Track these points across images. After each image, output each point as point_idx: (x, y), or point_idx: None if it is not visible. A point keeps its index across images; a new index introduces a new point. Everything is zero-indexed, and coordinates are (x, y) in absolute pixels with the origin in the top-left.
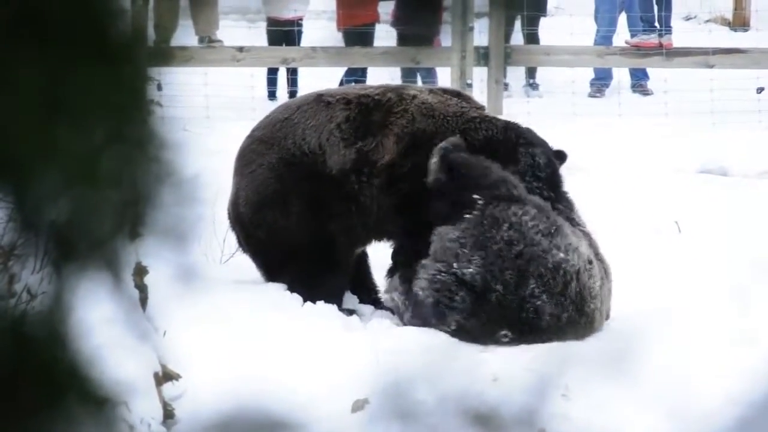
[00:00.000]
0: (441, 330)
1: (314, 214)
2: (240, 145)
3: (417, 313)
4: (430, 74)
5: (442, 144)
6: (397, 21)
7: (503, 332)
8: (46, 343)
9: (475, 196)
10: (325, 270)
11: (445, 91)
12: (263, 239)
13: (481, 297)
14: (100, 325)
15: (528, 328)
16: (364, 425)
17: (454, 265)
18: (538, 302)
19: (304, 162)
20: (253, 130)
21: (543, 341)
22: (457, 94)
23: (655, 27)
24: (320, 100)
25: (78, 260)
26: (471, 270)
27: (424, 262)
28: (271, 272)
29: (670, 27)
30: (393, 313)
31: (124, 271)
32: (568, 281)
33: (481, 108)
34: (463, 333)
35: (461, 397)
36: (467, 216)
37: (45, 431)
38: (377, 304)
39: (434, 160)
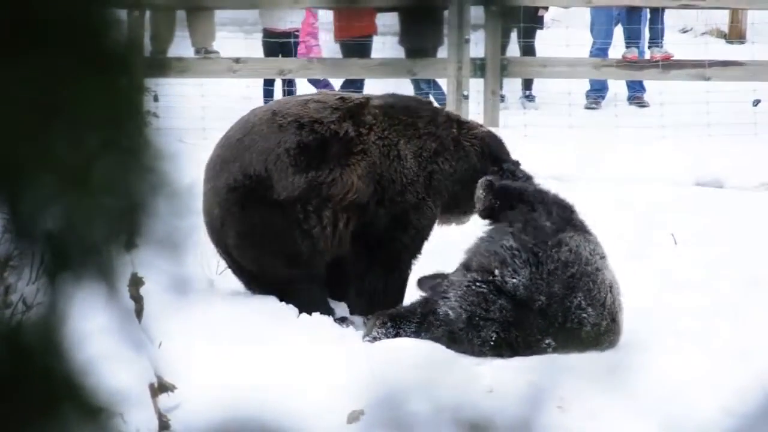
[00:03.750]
0: (476, 351)
1: (253, 239)
2: (213, 152)
3: (445, 335)
4: (430, 85)
5: (486, 178)
6: (403, 37)
7: (547, 341)
8: (41, 353)
9: (539, 216)
10: (286, 289)
11: (398, 110)
12: (230, 256)
13: (524, 306)
14: (95, 335)
15: (570, 337)
16: None
17: (496, 272)
18: (583, 314)
19: (246, 186)
20: (220, 142)
21: (581, 350)
22: (409, 112)
23: (656, 41)
24: (273, 120)
25: (73, 269)
26: (515, 281)
27: (451, 278)
28: (249, 283)
29: (660, 40)
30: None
31: (118, 280)
32: (607, 292)
33: (435, 115)
34: (504, 347)
35: (456, 409)
36: (528, 231)
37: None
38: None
39: (481, 192)
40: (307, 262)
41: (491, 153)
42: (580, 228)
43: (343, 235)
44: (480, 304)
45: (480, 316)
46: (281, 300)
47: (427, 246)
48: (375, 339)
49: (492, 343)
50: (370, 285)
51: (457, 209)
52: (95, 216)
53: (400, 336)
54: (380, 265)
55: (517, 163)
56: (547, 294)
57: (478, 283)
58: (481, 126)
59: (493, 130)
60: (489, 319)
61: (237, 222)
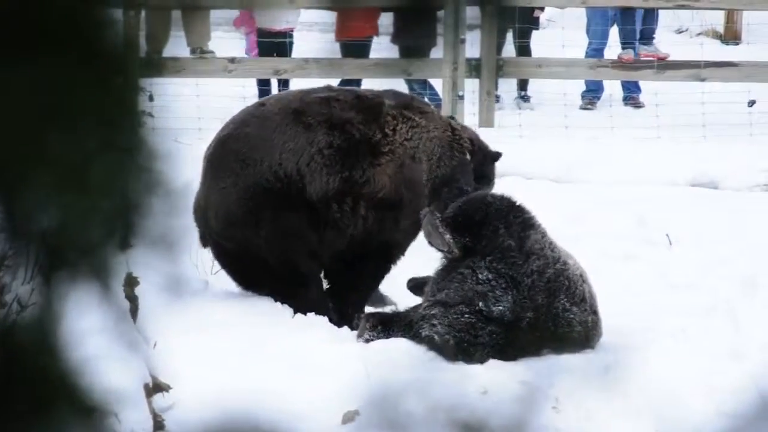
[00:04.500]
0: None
1: (284, 239)
2: (212, 147)
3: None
4: (424, 87)
5: (424, 214)
6: (397, 36)
7: (545, 350)
8: (36, 353)
9: (503, 236)
10: (296, 286)
11: (411, 110)
12: (235, 251)
13: (513, 326)
14: (89, 334)
15: (563, 342)
16: None
17: (480, 304)
18: (570, 315)
19: (278, 188)
20: (228, 137)
21: (578, 351)
22: (421, 112)
23: (651, 39)
24: (299, 120)
25: (68, 269)
26: (500, 308)
27: (432, 312)
28: (244, 282)
29: (651, 39)
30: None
31: (113, 280)
32: (581, 286)
33: (435, 117)
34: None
35: (450, 409)
36: (497, 257)
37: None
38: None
39: (433, 227)
40: (319, 263)
41: (478, 166)
42: (533, 225)
43: (371, 230)
44: (468, 330)
45: (468, 341)
46: (278, 300)
47: None
48: (367, 341)
49: (487, 360)
50: (364, 279)
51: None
52: (91, 215)
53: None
54: (376, 260)
55: (496, 156)
56: (533, 308)
57: (465, 315)
58: (468, 132)
59: (487, 130)
60: (479, 344)
61: (269, 222)
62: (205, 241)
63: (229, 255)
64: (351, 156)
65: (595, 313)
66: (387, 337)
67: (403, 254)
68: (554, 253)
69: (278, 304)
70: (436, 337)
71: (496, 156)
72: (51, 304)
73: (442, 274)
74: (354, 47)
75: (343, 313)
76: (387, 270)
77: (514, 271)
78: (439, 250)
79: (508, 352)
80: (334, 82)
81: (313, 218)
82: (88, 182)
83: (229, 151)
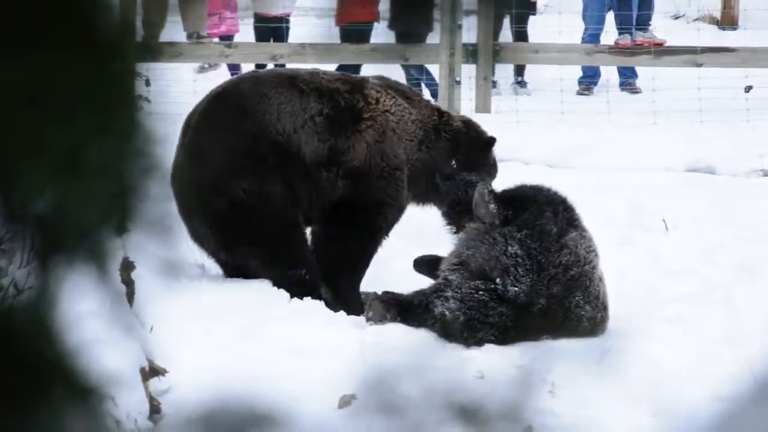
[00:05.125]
0: (468, 344)
1: (286, 193)
2: (204, 102)
3: (439, 332)
4: (421, 72)
5: (481, 186)
6: (394, 21)
7: (545, 337)
8: (32, 336)
9: (547, 219)
10: (293, 239)
11: (396, 90)
12: (225, 208)
13: (523, 310)
14: (85, 318)
15: (568, 333)
16: (350, 419)
17: (497, 280)
18: (581, 311)
19: (281, 141)
20: (220, 96)
21: (578, 338)
22: (405, 96)
23: (647, 26)
24: (294, 84)
25: (64, 252)
26: (516, 289)
27: (449, 277)
28: (227, 243)
29: (647, 25)
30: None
31: (110, 263)
32: (598, 285)
33: (421, 102)
34: (498, 343)
35: (446, 392)
36: (534, 236)
37: (31, 422)
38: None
39: (481, 197)
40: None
41: (465, 145)
42: (579, 226)
43: (346, 199)
44: (479, 308)
45: (478, 319)
46: (246, 262)
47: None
48: (380, 322)
49: (488, 342)
50: (346, 251)
51: (422, 198)
52: (87, 199)
53: (402, 323)
54: (361, 233)
55: (494, 165)
56: (546, 296)
57: (480, 292)
58: (461, 117)
59: (484, 116)
60: (487, 323)
61: (275, 172)
62: (185, 211)
63: (217, 213)
64: (336, 124)
65: (605, 309)
66: (402, 321)
67: (386, 229)
68: (588, 254)
69: (274, 289)
70: (447, 313)
71: (490, 141)
72: (47, 288)
73: (473, 234)
74: (353, 32)
75: (336, 295)
76: (372, 245)
77: (543, 256)
78: (481, 219)
79: (512, 335)
80: (331, 67)
81: (309, 181)
82: (84, 166)
83: (225, 105)
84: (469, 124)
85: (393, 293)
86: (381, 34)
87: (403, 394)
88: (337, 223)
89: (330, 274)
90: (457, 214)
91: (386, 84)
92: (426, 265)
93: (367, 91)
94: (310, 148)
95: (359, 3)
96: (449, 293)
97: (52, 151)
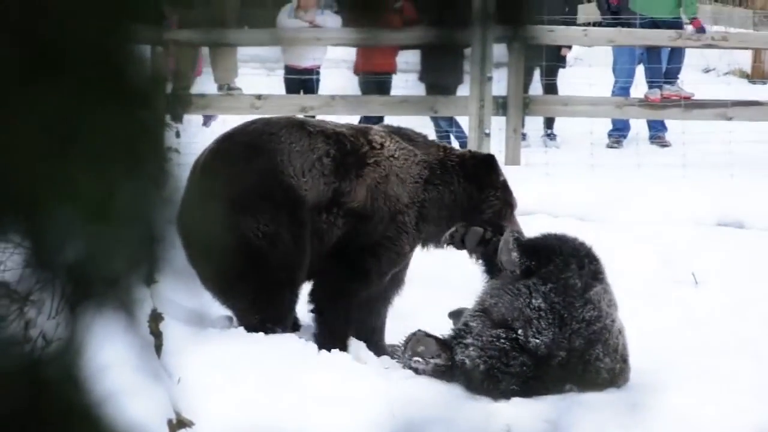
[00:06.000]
0: (492, 395)
1: (293, 231)
2: (215, 142)
3: (461, 382)
4: (451, 124)
5: (509, 234)
6: (424, 73)
7: (568, 386)
8: (59, 385)
9: (572, 272)
10: (285, 289)
11: (400, 136)
12: (231, 244)
13: (543, 361)
14: (113, 367)
15: (587, 384)
16: None
17: (519, 331)
18: (600, 364)
19: (290, 181)
20: (230, 135)
21: (599, 390)
22: (409, 139)
23: (675, 79)
24: (302, 127)
25: (93, 300)
26: (537, 341)
27: (470, 324)
28: (221, 283)
29: (675, 78)
30: (392, 357)
31: (138, 311)
32: (617, 338)
33: (426, 143)
34: (522, 395)
35: None
36: (555, 289)
37: None
38: (379, 350)
39: (506, 244)
40: (305, 273)
41: (473, 173)
42: (603, 279)
43: (327, 242)
44: (500, 357)
45: (499, 369)
46: (236, 302)
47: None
48: (428, 361)
49: (511, 393)
50: (334, 290)
51: (438, 236)
52: (116, 247)
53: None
54: (351, 274)
55: (504, 184)
56: (567, 350)
57: (501, 340)
58: (471, 152)
59: (514, 168)
60: (508, 373)
61: (282, 210)
62: (192, 255)
63: (219, 252)
64: (342, 167)
65: (624, 361)
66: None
67: (379, 271)
68: (609, 308)
69: (303, 340)
70: (467, 361)
71: (490, 157)
72: (76, 336)
73: (498, 283)
74: (374, 83)
75: (322, 327)
76: (364, 285)
77: (566, 311)
78: (502, 267)
79: (533, 386)
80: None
81: (310, 223)
82: (114, 213)
83: (237, 143)
84: (471, 151)
85: (425, 332)
86: (411, 86)
87: None
88: (331, 261)
89: (320, 309)
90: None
91: (390, 130)
92: (460, 316)
93: (371, 137)
94: (315, 191)
95: (378, 53)
96: (469, 340)
97: (81, 197)
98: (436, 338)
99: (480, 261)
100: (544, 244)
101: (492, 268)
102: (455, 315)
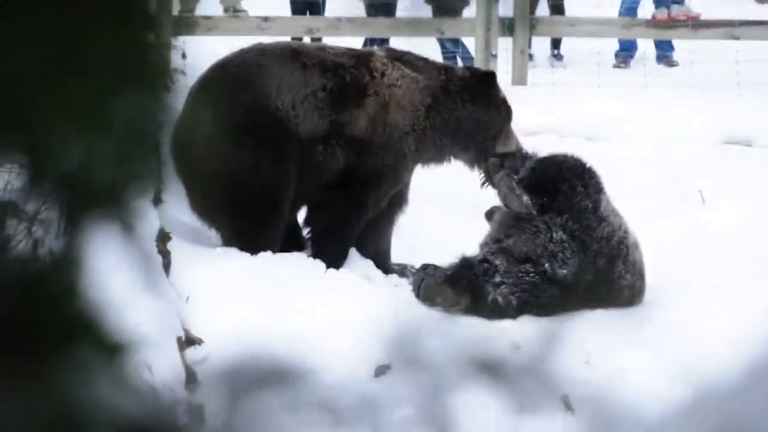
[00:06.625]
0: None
1: (275, 165)
2: (208, 70)
3: (490, 317)
4: (457, 45)
5: (500, 176)
6: None
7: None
8: (60, 296)
9: (580, 195)
10: (267, 218)
11: (402, 61)
12: (215, 173)
13: (571, 288)
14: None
15: (611, 303)
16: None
17: (546, 265)
18: (623, 282)
19: (277, 115)
20: (223, 64)
21: (622, 307)
22: (412, 65)
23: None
24: (297, 58)
25: (91, 211)
26: (564, 271)
27: (495, 262)
28: (211, 208)
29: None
30: (400, 276)
31: (139, 224)
32: (634, 252)
33: (428, 68)
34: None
35: (472, 347)
36: (571, 217)
37: (56, 374)
38: (387, 270)
39: (511, 191)
40: (296, 202)
41: (476, 94)
42: (601, 188)
43: (325, 173)
44: (531, 291)
45: (531, 302)
46: (224, 228)
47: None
48: (450, 310)
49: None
50: (333, 219)
51: (441, 158)
52: (113, 157)
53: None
54: (349, 203)
55: (504, 100)
56: (593, 272)
57: (531, 274)
58: (470, 70)
59: (520, 88)
60: (539, 305)
61: (265, 143)
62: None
63: (202, 177)
64: (340, 100)
65: (642, 278)
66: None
67: (378, 198)
68: (617, 219)
69: (310, 259)
70: (500, 299)
71: (490, 74)
72: (74, 248)
73: (509, 221)
74: (379, 5)
75: (320, 257)
76: (363, 213)
77: (586, 234)
78: (517, 212)
79: (561, 310)
80: (359, 40)
81: (304, 157)
82: (109, 123)
83: (227, 74)
84: (470, 69)
85: (435, 266)
86: (418, 6)
87: (429, 348)
88: (330, 191)
89: (317, 237)
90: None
91: (392, 56)
92: (493, 215)
93: (373, 65)
94: (308, 124)
95: None
96: (498, 279)
97: (78, 107)
98: (450, 282)
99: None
100: (545, 174)
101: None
102: (490, 214)
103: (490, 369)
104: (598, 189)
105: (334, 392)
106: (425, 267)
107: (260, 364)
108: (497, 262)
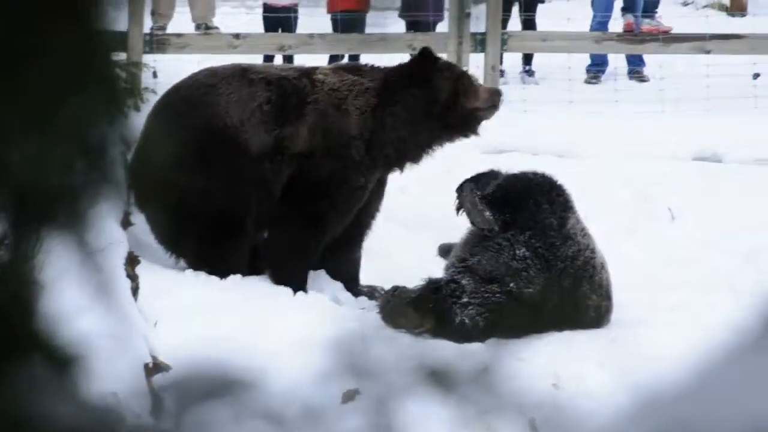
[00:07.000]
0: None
1: (229, 186)
2: (162, 96)
3: (458, 336)
4: None
5: (469, 191)
6: (403, 10)
7: (556, 330)
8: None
9: (545, 213)
10: (230, 241)
11: (346, 69)
12: (173, 200)
13: (538, 309)
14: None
15: (576, 324)
16: (320, 382)
17: (512, 285)
18: (589, 302)
19: (227, 133)
20: (175, 88)
21: (588, 328)
22: (356, 70)
23: (653, 13)
24: (244, 75)
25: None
26: (530, 290)
27: (462, 282)
28: (172, 236)
29: (654, 12)
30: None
31: (88, 233)
32: (601, 273)
33: (375, 71)
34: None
35: (418, 355)
36: (535, 234)
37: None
38: (356, 292)
39: (473, 206)
40: (259, 222)
41: (414, 74)
42: (570, 206)
43: (275, 190)
44: (498, 312)
45: (498, 323)
46: (192, 257)
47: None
48: (414, 332)
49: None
50: (283, 244)
51: (411, 153)
52: (58, 162)
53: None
54: (301, 224)
55: (447, 63)
56: (558, 292)
57: (497, 295)
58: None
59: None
60: (506, 327)
61: (218, 165)
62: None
63: (166, 205)
64: (283, 112)
65: (609, 299)
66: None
67: (334, 210)
68: (585, 239)
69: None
70: (467, 320)
71: (422, 51)
72: (21, 257)
73: (474, 239)
74: (345, 21)
75: (279, 280)
76: (320, 229)
77: (550, 252)
78: (479, 227)
79: (525, 334)
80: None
81: (257, 174)
82: (57, 127)
83: (179, 97)
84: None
85: (404, 288)
86: (391, 23)
87: (375, 356)
88: (282, 209)
89: (275, 260)
90: None
91: (338, 66)
92: (449, 252)
93: (316, 75)
94: (257, 140)
95: None
96: (465, 299)
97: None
98: (414, 304)
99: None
100: (510, 191)
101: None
102: (444, 250)
103: (440, 378)
104: (566, 207)
105: (279, 402)
106: (395, 289)
107: (206, 375)
108: (464, 282)
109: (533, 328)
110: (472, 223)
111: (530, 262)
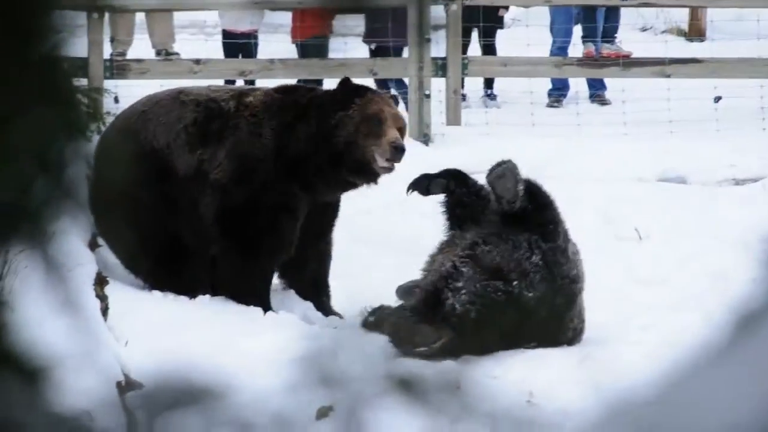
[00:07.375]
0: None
1: (169, 207)
2: (103, 132)
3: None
4: (400, 85)
5: (511, 167)
6: (368, 36)
7: (533, 343)
8: None
9: (561, 234)
10: (179, 261)
11: (279, 90)
12: (119, 227)
13: (527, 317)
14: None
15: (555, 342)
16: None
17: (515, 282)
18: (570, 324)
19: (156, 156)
20: (116, 118)
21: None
22: (289, 91)
23: (613, 38)
24: (177, 97)
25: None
26: (530, 294)
27: (462, 269)
28: (126, 260)
29: (614, 37)
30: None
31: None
32: (581, 296)
33: (301, 91)
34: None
35: (386, 363)
36: (553, 248)
37: None
38: (326, 311)
39: (512, 173)
40: (200, 242)
41: (322, 103)
42: (570, 239)
43: (204, 214)
44: (493, 309)
45: (489, 321)
46: (147, 277)
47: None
48: (430, 348)
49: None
50: (228, 272)
51: (316, 180)
52: (13, 180)
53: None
54: (237, 251)
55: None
56: (549, 307)
57: (499, 293)
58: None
59: (454, 128)
60: (496, 326)
61: (147, 192)
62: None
63: (115, 231)
64: (206, 135)
65: (583, 321)
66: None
67: (275, 243)
68: (580, 266)
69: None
70: (457, 306)
71: (343, 80)
72: None
73: (495, 226)
74: (311, 47)
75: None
76: (258, 256)
77: (557, 268)
78: (500, 195)
79: (508, 342)
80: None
81: (186, 195)
82: (12, 146)
83: (113, 129)
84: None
85: (387, 306)
86: (353, 48)
87: (342, 365)
88: (220, 237)
89: (227, 289)
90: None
91: (275, 87)
92: (410, 294)
93: (246, 98)
94: (183, 162)
95: (313, 17)
96: (460, 284)
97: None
98: (424, 318)
99: (443, 210)
100: (543, 200)
101: (453, 219)
102: (405, 293)
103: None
104: (566, 235)
105: (249, 411)
106: (375, 311)
107: (175, 384)
108: (463, 268)
109: (516, 336)
110: (494, 186)
111: (539, 270)
